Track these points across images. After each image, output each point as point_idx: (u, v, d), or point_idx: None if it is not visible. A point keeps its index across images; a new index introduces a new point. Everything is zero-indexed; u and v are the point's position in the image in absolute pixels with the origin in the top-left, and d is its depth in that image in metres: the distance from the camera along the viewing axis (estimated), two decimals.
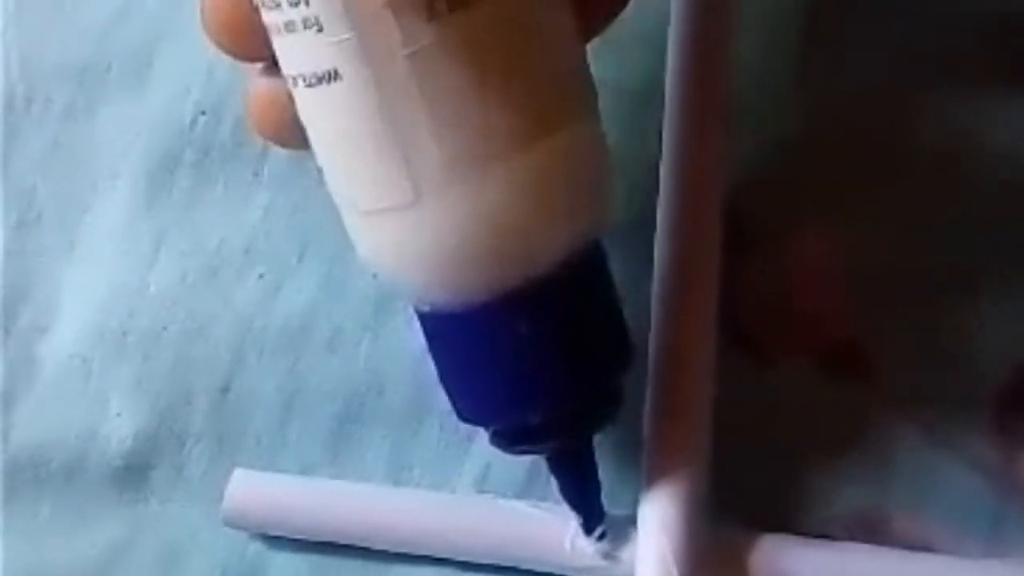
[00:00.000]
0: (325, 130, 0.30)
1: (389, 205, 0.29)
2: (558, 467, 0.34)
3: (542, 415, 0.32)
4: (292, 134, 0.31)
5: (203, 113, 0.40)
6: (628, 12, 0.34)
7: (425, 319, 0.32)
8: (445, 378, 0.33)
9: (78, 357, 0.39)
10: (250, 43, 0.31)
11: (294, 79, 0.30)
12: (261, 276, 0.39)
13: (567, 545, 0.35)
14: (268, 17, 0.29)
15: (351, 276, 0.38)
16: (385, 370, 0.38)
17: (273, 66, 0.30)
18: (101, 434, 0.38)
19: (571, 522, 0.35)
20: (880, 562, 0.35)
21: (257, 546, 0.37)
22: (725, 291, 0.36)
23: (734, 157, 0.37)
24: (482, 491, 0.37)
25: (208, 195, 0.39)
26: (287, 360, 0.38)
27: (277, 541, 0.37)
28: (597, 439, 0.34)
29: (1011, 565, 0.35)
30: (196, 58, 0.40)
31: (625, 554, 0.35)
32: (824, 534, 0.36)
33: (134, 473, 0.38)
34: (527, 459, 0.36)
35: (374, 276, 0.37)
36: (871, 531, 0.36)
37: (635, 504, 0.35)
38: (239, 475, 0.37)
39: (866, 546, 0.35)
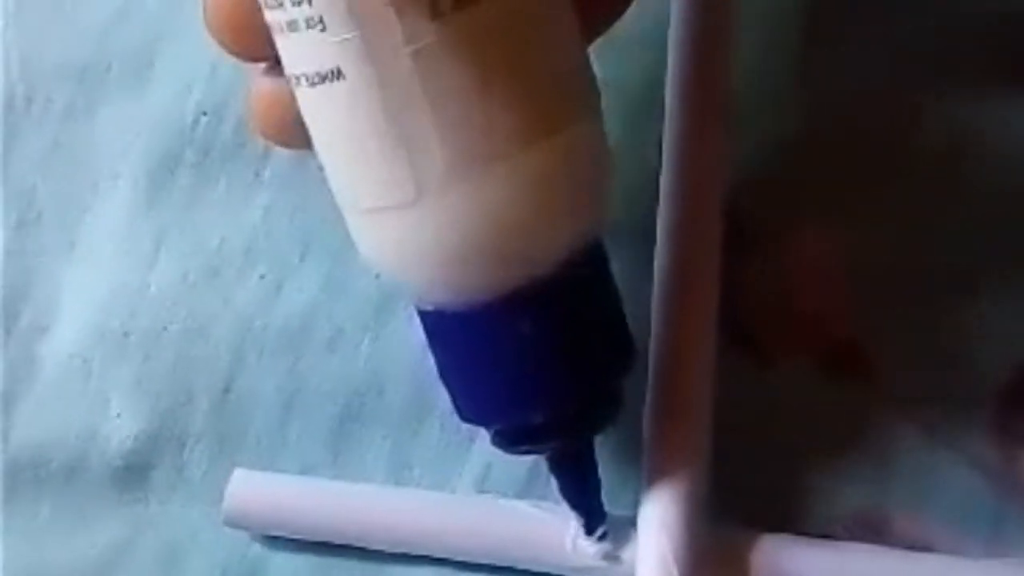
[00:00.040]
0: (327, 129, 0.30)
1: (391, 203, 0.29)
2: (558, 467, 0.34)
3: (543, 415, 0.32)
4: (294, 134, 0.31)
5: (204, 113, 0.40)
6: (628, 12, 0.34)
7: (426, 318, 0.32)
8: (446, 377, 0.33)
9: (78, 357, 0.39)
10: (253, 42, 0.31)
11: (296, 78, 0.30)
12: (262, 276, 0.39)
13: (568, 545, 0.35)
14: (271, 16, 0.29)
15: (352, 276, 0.38)
16: (386, 370, 0.38)
17: (276, 66, 0.30)
18: (101, 434, 0.38)
19: (571, 522, 0.35)
20: (880, 562, 0.35)
21: (257, 546, 0.37)
22: (725, 291, 0.36)
23: (734, 157, 0.37)
24: (483, 491, 0.37)
25: (209, 195, 0.39)
26: (288, 360, 0.38)
27: (278, 541, 0.37)
28: (597, 439, 0.34)
29: (1012, 565, 0.35)
30: (197, 58, 0.40)
31: (626, 554, 0.35)
32: (824, 534, 0.35)
33: (134, 473, 0.38)
34: (528, 460, 0.36)
35: (376, 276, 0.38)
36: (871, 531, 0.36)
37: (635, 504, 0.35)
38: (239, 475, 0.37)
39: (866, 546, 0.35)
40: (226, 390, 0.38)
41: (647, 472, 0.35)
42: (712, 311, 0.36)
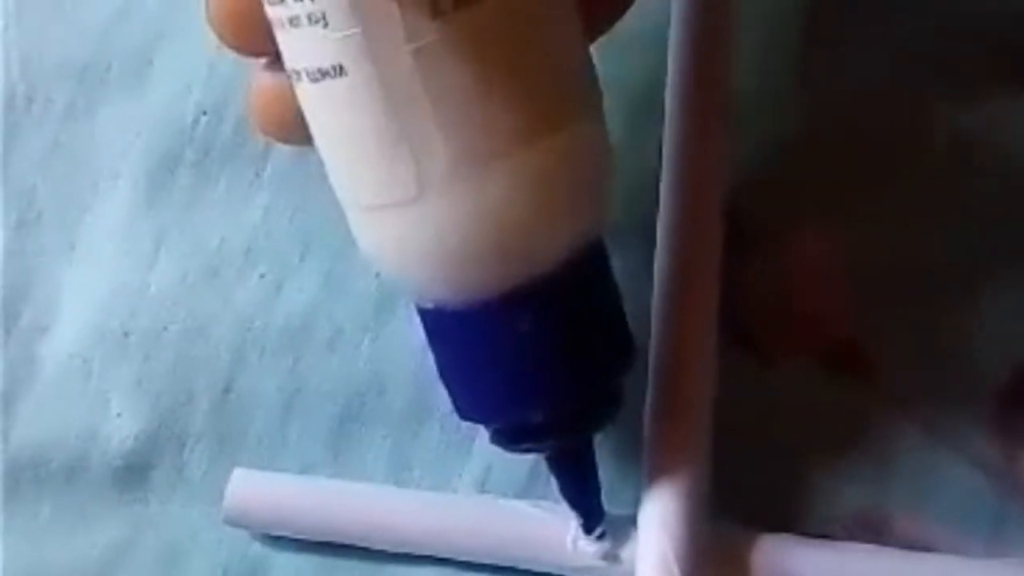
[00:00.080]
0: (328, 125, 0.30)
1: (392, 201, 0.29)
2: (558, 466, 0.34)
3: (543, 413, 0.32)
4: (294, 130, 0.31)
5: (204, 113, 0.40)
6: (629, 12, 0.34)
7: (426, 316, 0.32)
8: (446, 376, 0.33)
9: (78, 357, 0.39)
10: (254, 37, 0.30)
11: (298, 74, 0.30)
12: (262, 276, 0.39)
13: (568, 545, 0.35)
14: (272, 12, 0.29)
15: (352, 276, 0.38)
16: (386, 370, 0.38)
17: (276, 61, 0.30)
18: (101, 434, 0.38)
19: (572, 522, 0.35)
20: (881, 562, 0.35)
21: (258, 546, 0.37)
22: (725, 291, 0.36)
23: (734, 157, 0.37)
24: (483, 492, 0.37)
25: (209, 195, 0.39)
26: (288, 360, 0.38)
27: (278, 541, 0.37)
28: (597, 439, 0.34)
29: (1012, 565, 0.35)
30: (197, 57, 0.40)
31: (626, 553, 0.35)
32: (825, 534, 0.35)
33: (135, 473, 0.38)
34: (528, 461, 0.36)
35: (376, 275, 0.38)
36: (872, 531, 0.36)
37: (636, 504, 0.35)
38: (239, 474, 0.37)
39: (867, 546, 0.35)
40: (226, 390, 0.38)
41: (647, 471, 0.35)
42: (712, 311, 0.36)
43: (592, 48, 0.32)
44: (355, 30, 0.28)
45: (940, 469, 0.36)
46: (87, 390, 0.39)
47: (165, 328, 0.39)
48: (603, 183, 0.32)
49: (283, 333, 0.38)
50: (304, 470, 0.38)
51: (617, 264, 0.33)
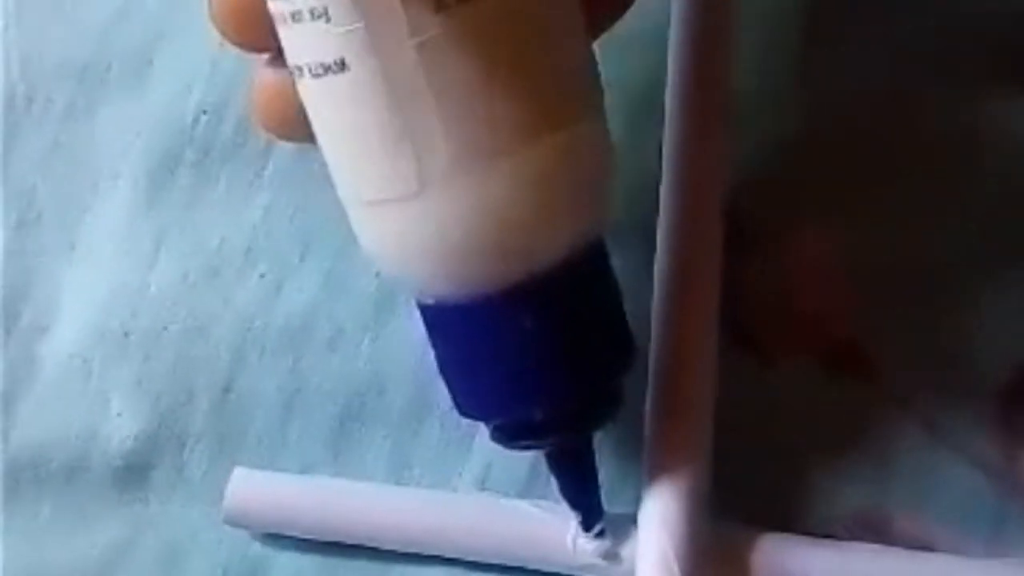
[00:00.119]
0: (330, 121, 0.30)
1: (393, 196, 0.29)
2: (558, 464, 0.34)
3: (543, 411, 0.32)
4: (296, 126, 0.31)
5: (204, 112, 0.40)
6: (629, 11, 0.34)
7: (426, 312, 0.32)
8: (446, 372, 0.33)
9: (78, 357, 0.39)
10: (256, 33, 0.31)
11: (299, 69, 0.30)
12: (262, 276, 0.39)
13: (568, 544, 0.35)
14: (274, 7, 0.29)
15: (352, 276, 0.38)
16: (386, 370, 0.38)
17: (278, 57, 0.31)
18: (102, 434, 0.38)
19: (572, 521, 0.35)
20: (881, 561, 0.35)
21: (258, 546, 0.37)
22: (725, 291, 0.36)
23: (734, 157, 0.37)
24: (483, 490, 0.37)
25: (209, 195, 0.39)
26: (288, 360, 0.38)
27: (279, 541, 0.37)
28: (597, 437, 0.34)
29: (1012, 565, 0.35)
30: (197, 57, 0.40)
31: (626, 552, 0.35)
32: (825, 534, 0.35)
33: (135, 473, 0.38)
34: (528, 458, 0.36)
35: (377, 274, 0.38)
36: (872, 530, 0.36)
37: (636, 502, 0.35)
38: (240, 474, 0.37)
39: (867, 545, 0.35)
40: (226, 390, 0.38)
41: (648, 470, 0.35)
42: (712, 311, 0.36)
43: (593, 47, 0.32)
44: (358, 24, 0.28)
45: (940, 469, 0.36)
46: (87, 390, 0.39)
47: (165, 328, 0.39)
48: (604, 182, 0.32)
49: (283, 333, 0.38)
50: (304, 470, 0.38)
51: (617, 264, 0.33)
